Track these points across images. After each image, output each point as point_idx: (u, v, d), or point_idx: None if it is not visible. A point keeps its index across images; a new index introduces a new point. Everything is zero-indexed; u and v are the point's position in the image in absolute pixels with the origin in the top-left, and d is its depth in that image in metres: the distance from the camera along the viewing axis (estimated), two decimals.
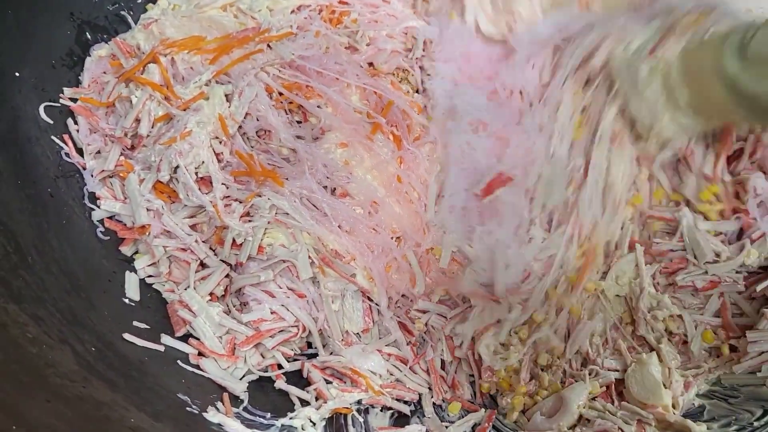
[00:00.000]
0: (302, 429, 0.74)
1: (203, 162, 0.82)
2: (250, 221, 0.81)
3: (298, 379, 0.83)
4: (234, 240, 0.81)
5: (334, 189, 0.85)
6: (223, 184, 0.82)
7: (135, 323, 0.79)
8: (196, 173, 0.83)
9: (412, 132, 0.87)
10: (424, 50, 0.92)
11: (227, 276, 0.83)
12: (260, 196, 0.81)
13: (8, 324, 0.64)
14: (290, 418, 0.75)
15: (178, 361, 0.78)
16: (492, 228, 0.81)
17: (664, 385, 0.74)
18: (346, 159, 0.85)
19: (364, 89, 0.87)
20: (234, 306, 0.82)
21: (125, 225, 0.88)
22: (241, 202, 0.82)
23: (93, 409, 0.61)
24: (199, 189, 0.83)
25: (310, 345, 0.86)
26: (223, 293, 0.83)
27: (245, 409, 0.76)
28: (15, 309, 0.67)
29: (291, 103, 0.86)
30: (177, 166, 0.83)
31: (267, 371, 0.81)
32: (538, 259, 0.80)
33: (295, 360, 0.83)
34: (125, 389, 0.67)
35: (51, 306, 0.72)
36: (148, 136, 0.88)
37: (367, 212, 0.84)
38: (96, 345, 0.71)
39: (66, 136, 0.90)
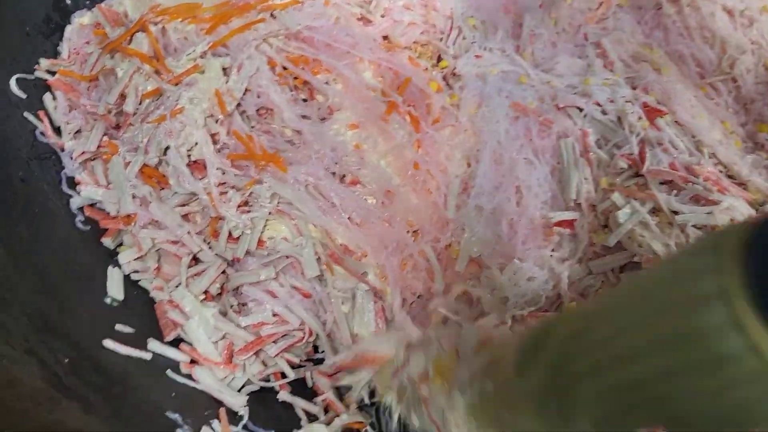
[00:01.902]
0: None
1: (196, 143, 0.67)
2: (248, 211, 0.67)
3: (304, 388, 0.69)
4: (231, 233, 0.66)
5: (344, 176, 0.71)
6: (218, 168, 0.67)
7: (117, 327, 0.65)
8: (189, 156, 0.68)
9: (431, 113, 0.73)
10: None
11: (224, 272, 0.68)
12: (260, 183, 0.67)
13: None
14: None
15: (168, 371, 0.63)
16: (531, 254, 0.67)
17: None
18: (357, 142, 0.70)
19: (379, 65, 0.73)
20: (231, 306, 0.68)
21: (108, 214, 0.73)
22: (238, 190, 0.67)
23: None
24: (192, 174, 0.68)
25: (316, 349, 0.72)
26: (219, 292, 0.69)
27: (245, 427, 0.62)
28: None
29: (296, 78, 0.71)
30: (167, 148, 0.68)
31: (269, 381, 0.67)
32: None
33: (300, 367, 0.70)
34: (103, 409, 0.53)
35: (16, 309, 0.57)
36: (134, 113, 0.73)
37: (381, 202, 0.70)
38: (69, 355, 0.57)
39: (41, 113, 0.75)
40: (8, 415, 0.47)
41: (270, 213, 0.67)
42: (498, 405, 0.47)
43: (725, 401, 0.31)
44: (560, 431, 0.41)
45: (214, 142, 0.69)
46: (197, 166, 0.69)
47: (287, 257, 0.66)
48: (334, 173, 0.70)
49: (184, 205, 0.70)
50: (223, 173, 0.68)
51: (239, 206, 0.67)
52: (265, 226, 0.67)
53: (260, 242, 0.66)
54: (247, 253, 0.67)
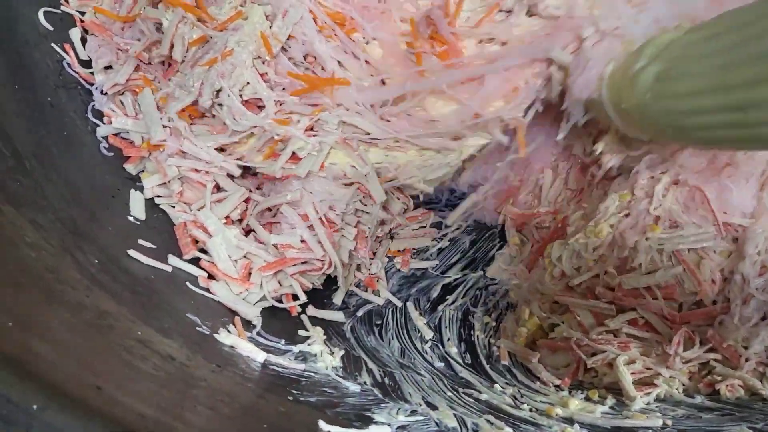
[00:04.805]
0: (321, 355, 0.60)
1: (248, 83, 0.65)
2: (315, 136, 0.64)
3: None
4: (294, 153, 0.63)
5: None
6: (276, 101, 0.65)
7: (140, 242, 0.62)
8: (241, 96, 0.65)
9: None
10: None
11: (246, 201, 0.67)
12: (326, 111, 0.64)
13: (4, 224, 0.47)
14: (308, 344, 0.61)
15: (187, 283, 0.61)
16: None
17: None
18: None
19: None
20: (260, 223, 0.66)
21: (132, 143, 0.70)
22: (305, 115, 0.64)
23: (96, 318, 0.44)
24: None
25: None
26: (240, 218, 0.68)
27: (258, 333, 0.61)
28: (11, 211, 0.49)
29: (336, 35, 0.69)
30: (220, 90, 0.64)
31: (282, 301, 0.66)
32: None
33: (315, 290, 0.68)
34: (131, 303, 0.50)
35: (51, 214, 0.54)
36: (182, 61, 0.69)
37: None
38: (99, 257, 0.54)
39: (67, 46, 0.70)
40: (51, 292, 0.44)
41: (336, 141, 0.64)
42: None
43: None
44: None
45: (264, 81, 0.66)
46: (249, 106, 0.65)
47: (351, 184, 0.64)
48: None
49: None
50: (282, 104, 0.65)
51: (306, 130, 0.64)
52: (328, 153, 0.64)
53: (321, 165, 0.64)
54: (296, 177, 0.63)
